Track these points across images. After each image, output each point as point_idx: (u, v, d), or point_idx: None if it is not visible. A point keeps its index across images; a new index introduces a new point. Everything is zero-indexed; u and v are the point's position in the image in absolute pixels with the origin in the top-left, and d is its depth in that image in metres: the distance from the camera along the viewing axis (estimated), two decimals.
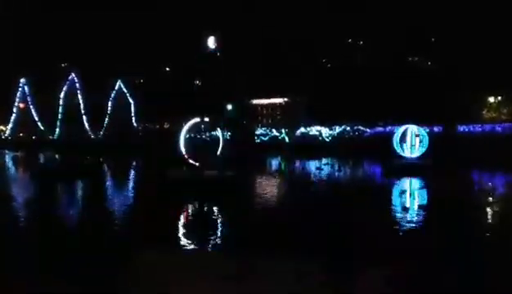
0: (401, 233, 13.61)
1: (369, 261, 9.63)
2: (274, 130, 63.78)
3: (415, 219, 15.68)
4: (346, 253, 10.78)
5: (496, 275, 9.61)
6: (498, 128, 43.84)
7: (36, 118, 64.07)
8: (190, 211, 17.61)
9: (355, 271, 5.90)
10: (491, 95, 54.96)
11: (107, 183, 27.95)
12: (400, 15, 65.65)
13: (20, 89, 65.83)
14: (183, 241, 12.76)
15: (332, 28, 71.44)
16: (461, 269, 9.86)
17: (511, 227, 14.86)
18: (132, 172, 34.79)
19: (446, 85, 54.90)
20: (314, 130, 60.49)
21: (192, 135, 22.46)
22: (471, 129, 45.70)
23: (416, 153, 31.51)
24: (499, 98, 54.91)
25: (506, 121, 48.06)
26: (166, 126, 69.45)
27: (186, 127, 22.84)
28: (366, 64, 67.37)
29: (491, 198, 20.49)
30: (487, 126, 45.70)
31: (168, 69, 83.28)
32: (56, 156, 45.44)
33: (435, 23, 62.98)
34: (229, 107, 38.97)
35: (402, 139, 31.84)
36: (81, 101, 64.55)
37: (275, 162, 42.84)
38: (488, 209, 18.18)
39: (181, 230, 14.30)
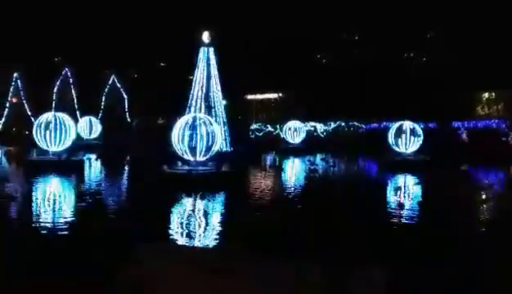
0: (397, 231, 13.58)
1: (366, 260, 9.57)
2: (269, 125, 63.63)
3: (411, 215, 15.65)
4: (342, 251, 10.72)
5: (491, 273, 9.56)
6: (493, 124, 44.06)
7: (29, 113, 63.47)
8: (184, 207, 17.49)
9: (353, 270, 5.80)
10: (485, 91, 55.12)
11: (100, 178, 27.75)
12: (396, 10, 65.44)
13: (12, 83, 65.19)
14: (178, 237, 12.67)
15: (326, 23, 71.20)
16: (458, 268, 9.83)
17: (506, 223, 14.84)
18: (126, 168, 34.59)
19: (442, 81, 54.90)
20: (309, 125, 60.38)
21: (187, 130, 22.31)
22: (465, 125, 45.85)
23: (411, 149, 31.57)
24: (493, 94, 55.02)
25: (501, 117, 48.21)
26: (160, 121, 69.17)
27: (180, 123, 22.70)
28: (361, 59, 67.23)
29: (486, 195, 20.49)
30: (482, 122, 45.93)
31: (162, 63, 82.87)
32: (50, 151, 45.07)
33: (431, 18, 62.89)
34: (224, 102, 38.76)
35: (397, 134, 31.90)
36: (74, 96, 64.10)
37: (270, 158, 42.77)
38: (484, 205, 18.18)
39: (176, 227, 14.20)
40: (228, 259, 5.99)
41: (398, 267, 9.04)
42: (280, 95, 72.06)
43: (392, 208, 17.47)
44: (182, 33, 62.36)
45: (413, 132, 31.59)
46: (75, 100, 63.94)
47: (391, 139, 32.02)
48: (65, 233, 13.04)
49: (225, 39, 47.46)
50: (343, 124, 59.77)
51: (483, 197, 19.76)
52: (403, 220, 14.90)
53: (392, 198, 20.10)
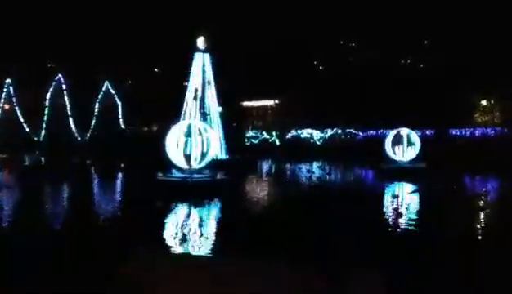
0: (394, 237, 13.30)
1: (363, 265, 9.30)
2: (264, 132, 63.46)
3: (408, 222, 15.34)
4: (339, 258, 10.45)
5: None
6: (490, 132, 43.98)
7: (21, 120, 62.91)
8: (179, 215, 17.10)
9: (350, 276, 5.50)
10: (483, 99, 55.01)
11: (94, 186, 27.29)
12: (393, 17, 65.66)
13: (4, 89, 64.62)
14: (173, 245, 12.32)
15: (324, 30, 71.33)
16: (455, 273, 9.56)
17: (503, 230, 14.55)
18: (120, 175, 34.10)
19: (439, 88, 54.82)
20: (305, 132, 60.25)
21: (182, 137, 21.92)
22: (463, 133, 45.77)
23: (408, 157, 31.28)
24: (491, 101, 54.93)
25: (498, 125, 48.23)
26: (154, 128, 68.76)
27: (175, 130, 22.33)
28: (357, 66, 67.22)
29: (483, 202, 20.17)
30: (479, 130, 45.85)
31: (156, 70, 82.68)
32: (42, 158, 44.63)
33: (428, 25, 63.06)
34: (219, 109, 38.46)
35: (394, 142, 31.64)
36: (67, 102, 63.47)
37: (265, 165, 42.45)
38: (481, 213, 17.86)
39: (171, 235, 13.84)
40: (223, 265, 5.93)
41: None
42: (277, 101, 71.91)
43: (386, 216, 17.11)
44: (178, 38, 62.24)
45: (409, 140, 31.31)
46: (68, 107, 63.32)
47: (388, 147, 31.74)
48: (50, 240, 12.68)
49: (221, 45, 47.31)
50: (339, 131, 59.63)
51: (476, 204, 19.52)
52: (397, 228, 14.60)
53: (387, 207, 19.79)
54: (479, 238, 13.85)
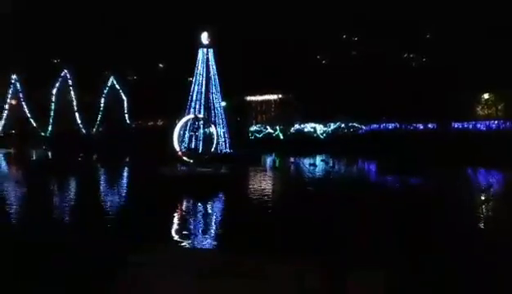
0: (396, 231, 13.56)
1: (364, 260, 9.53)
2: (268, 127, 63.54)
3: (409, 216, 15.61)
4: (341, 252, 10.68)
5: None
6: (492, 125, 43.91)
7: (28, 115, 63.41)
8: (183, 208, 17.39)
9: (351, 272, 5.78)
10: (486, 92, 54.79)
11: (100, 180, 27.64)
12: (395, 11, 65.37)
13: (11, 85, 65.08)
14: (177, 239, 12.60)
15: (326, 24, 71.22)
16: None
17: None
18: (126, 170, 34.46)
19: (442, 82, 54.67)
20: (309, 127, 60.39)
21: (186, 132, 22.26)
22: (465, 126, 45.72)
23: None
24: (493, 95, 54.72)
25: (501, 118, 48.05)
26: (159, 123, 69.11)
27: (179, 124, 22.65)
28: (360, 60, 67.14)
29: (485, 195, 20.37)
30: (482, 123, 45.76)
31: (161, 65, 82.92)
32: (49, 153, 45.08)
33: (430, 19, 62.86)
34: (223, 104, 38.73)
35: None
36: (74, 98, 63.79)
37: (269, 159, 42.63)
38: (483, 207, 18.10)
39: (175, 228, 14.13)
40: (226, 259, 5.94)
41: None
42: (280, 96, 71.96)
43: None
44: (182, 34, 62.35)
45: None
46: (74, 102, 63.68)
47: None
48: (58, 234, 13.01)
49: (224, 40, 47.44)
50: (342, 125, 59.66)
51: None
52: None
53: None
54: None
